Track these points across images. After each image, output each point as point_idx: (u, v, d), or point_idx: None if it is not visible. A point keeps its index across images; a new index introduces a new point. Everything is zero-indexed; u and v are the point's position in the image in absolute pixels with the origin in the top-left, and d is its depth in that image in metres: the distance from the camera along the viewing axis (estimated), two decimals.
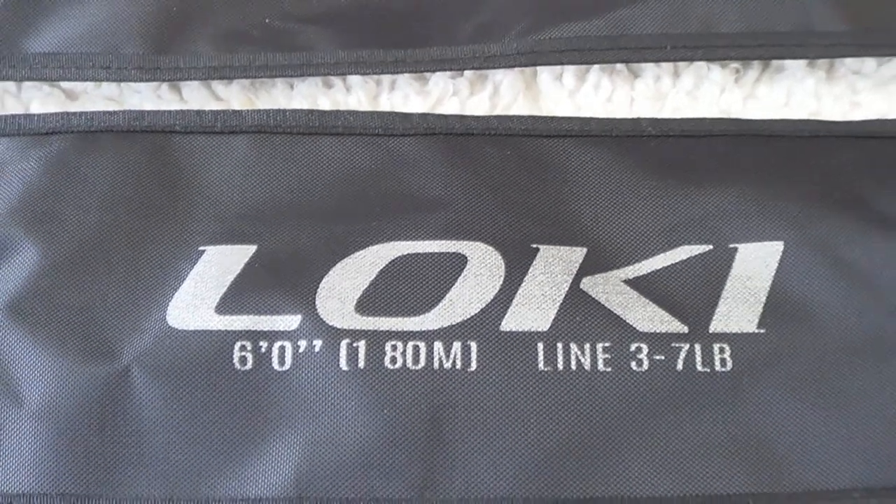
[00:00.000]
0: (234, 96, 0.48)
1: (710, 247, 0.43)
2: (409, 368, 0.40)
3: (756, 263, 0.42)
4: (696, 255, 0.43)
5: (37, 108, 0.47)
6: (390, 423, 0.39)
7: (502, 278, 0.42)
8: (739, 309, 0.41)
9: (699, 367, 0.40)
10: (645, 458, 0.39)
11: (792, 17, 0.47)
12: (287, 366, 0.40)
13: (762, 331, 0.41)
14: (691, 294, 0.42)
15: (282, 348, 0.40)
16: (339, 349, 0.40)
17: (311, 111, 0.46)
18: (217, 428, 0.40)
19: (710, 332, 0.41)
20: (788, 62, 0.49)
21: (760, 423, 0.40)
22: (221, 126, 0.45)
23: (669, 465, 0.39)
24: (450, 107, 0.48)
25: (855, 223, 0.43)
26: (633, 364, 0.40)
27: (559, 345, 0.41)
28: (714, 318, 0.41)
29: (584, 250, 0.42)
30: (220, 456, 0.39)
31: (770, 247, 0.43)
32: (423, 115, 0.46)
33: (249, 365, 0.40)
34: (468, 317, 0.41)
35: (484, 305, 0.41)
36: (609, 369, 0.40)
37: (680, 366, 0.40)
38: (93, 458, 0.39)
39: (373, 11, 0.48)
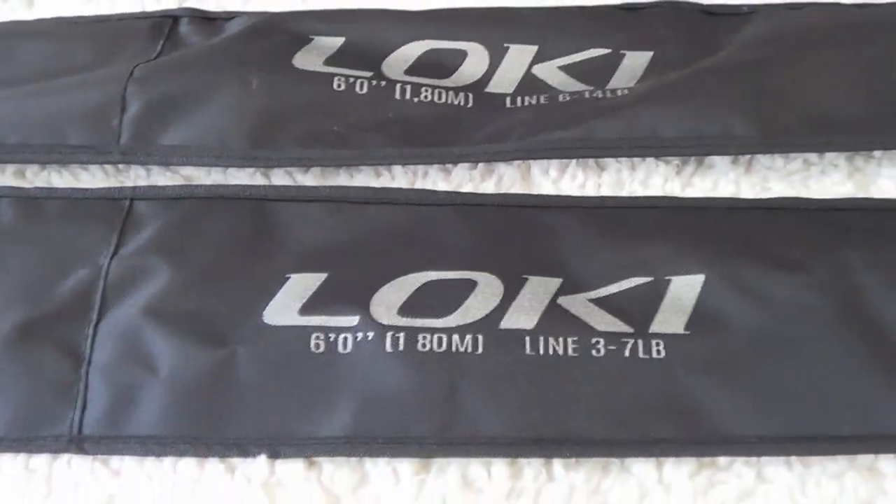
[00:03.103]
0: (308, 181, 0.66)
1: (652, 278, 0.59)
2: (434, 351, 0.56)
3: (685, 289, 0.59)
4: (641, 283, 0.59)
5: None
6: (421, 386, 0.55)
7: (501, 295, 0.58)
8: (671, 318, 0.58)
9: (640, 355, 0.56)
10: (599, 411, 0.54)
11: (717, 125, 0.65)
12: (349, 350, 0.56)
13: (688, 332, 0.57)
14: (637, 308, 0.58)
15: (345, 338, 0.57)
16: (385, 338, 0.56)
17: (366, 187, 0.65)
18: (297, 390, 0.55)
19: (650, 332, 0.57)
20: (716, 159, 0.67)
21: (684, 391, 0.55)
22: (302, 196, 0.64)
23: (617, 416, 0.54)
24: (466, 189, 0.66)
25: (756, 262, 0.60)
26: (593, 351, 0.56)
27: (540, 338, 0.57)
28: (653, 323, 0.57)
29: (560, 280, 0.59)
30: (299, 409, 0.55)
31: (695, 278, 0.59)
32: (447, 192, 0.65)
33: (322, 349, 0.56)
34: (477, 319, 0.57)
35: (488, 312, 0.58)
36: (576, 354, 0.56)
37: (627, 353, 0.56)
38: (205, 411, 0.55)
39: (412, 122, 0.67)
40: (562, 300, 0.58)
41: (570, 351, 0.56)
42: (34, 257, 0.61)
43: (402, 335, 0.56)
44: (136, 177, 0.66)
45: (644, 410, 0.54)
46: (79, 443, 0.54)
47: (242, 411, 0.55)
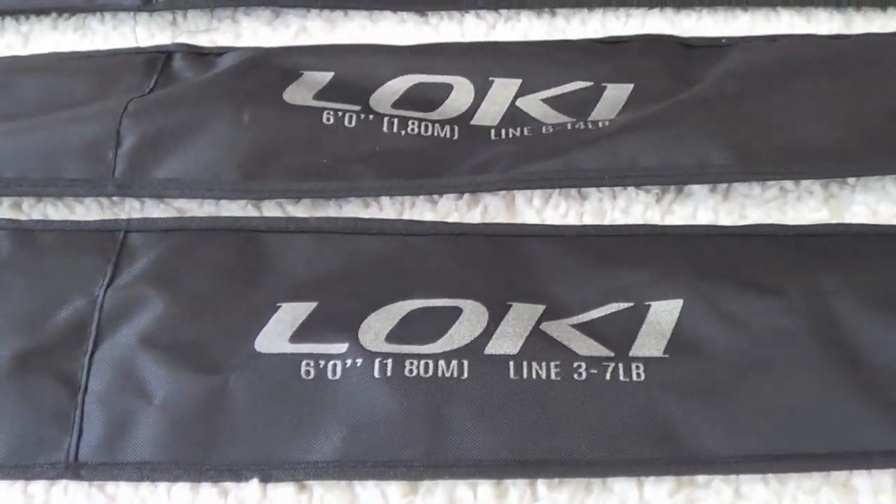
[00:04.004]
0: (298, 212, 0.68)
1: (632, 304, 0.61)
2: (421, 376, 0.58)
3: (664, 313, 0.61)
4: (621, 309, 0.61)
5: None
6: (408, 411, 0.57)
7: (486, 322, 0.60)
8: (651, 342, 0.60)
9: (621, 378, 0.58)
10: (582, 433, 0.56)
11: (695, 155, 0.67)
12: (338, 376, 0.58)
13: (667, 355, 0.59)
14: (617, 333, 0.60)
15: (334, 365, 0.59)
16: (373, 365, 0.58)
17: (355, 218, 0.67)
18: (288, 415, 0.57)
19: (630, 355, 0.59)
20: (695, 187, 0.69)
21: (664, 413, 0.57)
22: (293, 228, 0.66)
23: (599, 438, 0.56)
24: (452, 219, 0.68)
25: (733, 287, 0.62)
26: (575, 375, 0.58)
27: (524, 363, 0.59)
28: (633, 347, 0.59)
29: (543, 306, 0.61)
30: (290, 434, 0.56)
31: (673, 303, 0.61)
32: (434, 222, 0.67)
33: (312, 376, 0.58)
34: (462, 345, 0.59)
35: (473, 338, 0.60)
36: (558, 378, 0.58)
37: (608, 377, 0.58)
38: (198, 436, 0.57)
39: (399, 154, 0.69)
40: (545, 326, 0.60)
41: (552, 375, 0.58)
42: (30, 288, 0.62)
43: (389, 361, 0.58)
44: (131, 209, 0.68)
45: (625, 432, 0.56)
46: (75, 469, 0.56)
47: (235, 437, 0.57)
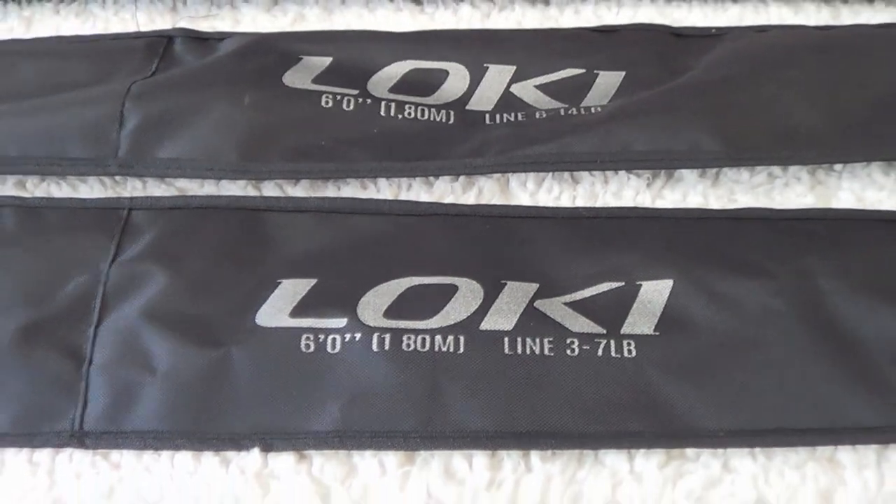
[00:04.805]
0: (298, 193, 0.70)
1: (623, 283, 0.63)
2: (418, 350, 0.59)
3: (654, 293, 0.63)
4: (613, 288, 0.63)
5: None
6: (405, 384, 0.58)
7: (481, 299, 0.62)
8: (641, 320, 0.61)
9: (613, 354, 0.60)
10: (572, 406, 0.58)
11: (686, 141, 0.69)
12: (337, 350, 0.60)
13: (657, 333, 0.61)
14: (609, 311, 0.62)
15: (333, 339, 0.60)
16: (371, 339, 0.60)
17: (353, 198, 0.69)
18: (288, 387, 0.58)
19: (621, 333, 0.61)
20: (685, 172, 0.71)
21: (654, 388, 0.58)
22: (292, 207, 0.67)
23: (591, 412, 0.57)
24: (448, 200, 0.70)
25: (722, 268, 0.63)
26: (568, 351, 0.60)
27: (518, 338, 0.60)
28: (624, 325, 0.61)
29: (537, 285, 0.63)
30: (291, 405, 0.58)
31: (664, 283, 0.63)
32: (430, 203, 0.68)
33: (312, 349, 0.60)
34: (458, 321, 0.61)
35: (469, 314, 0.61)
36: (552, 354, 0.59)
37: (600, 353, 0.60)
38: (201, 406, 0.58)
39: (396, 137, 0.71)
40: (538, 303, 0.62)
41: (546, 350, 0.59)
42: (36, 263, 0.64)
43: (387, 336, 0.60)
44: (133, 188, 0.70)
45: (616, 406, 0.58)
46: (80, 438, 0.57)
47: (237, 407, 0.58)
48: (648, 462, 0.56)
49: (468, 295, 0.62)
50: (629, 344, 0.60)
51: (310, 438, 0.57)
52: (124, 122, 0.69)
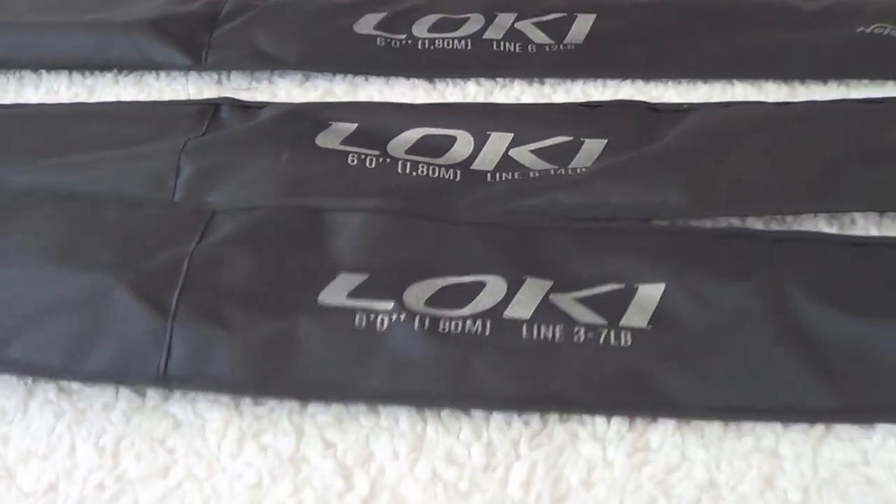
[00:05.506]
0: None
1: (623, 285, 0.72)
2: (452, 332, 0.70)
3: (649, 294, 0.72)
4: (615, 289, 0.73)
5: None
6: (440, 358, 0.69)
7: (505, 292, 0.72)
8: (637, 315, 0.70)
9: (612, 342, 0.70)
10: (578, 382, 0.68)
11: (658, 195, 0.81)
12: (384, 328, 0.70)
13: (649, 327, 0.70)
14: (611, 306, 0.71)
15: (382, 318, 0.70)
16: (414, 321, 0.69)
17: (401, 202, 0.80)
18: (343, 354, 0.69)
19: (620, 325, 0.70)
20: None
21: (645, 370, 0.68)
22: (347, 208, 0.78)
23: (591, 385, 0.68)
24: None
25: (707, 275, 0.73)
26: (575, 338, 0.70)
27: (534, 325, 0.69)
28: (622, 318, 0.70)
29: (552, 281, 0.73)
30: (344, 367, 0.68)
31: (657, 286, 0.73)
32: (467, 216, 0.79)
33: (364, 326, 0.69)
34: (485, 310, 0.70)
35: (494, 304, 0.71)
36: (562, 339, 0.70)
37: (601, 341, 0.70)
38: (268, 365, 0.68)
39: (411, 191, 0.82)
40: (552, 297, 0.72)
41: (557, 337, 0.70)
42: (143, 235, 0.76)
43: (427, 319, 0.70)
44: None
45: (613, 382, 0.69)
46: (164, 380, 0.68)
47: (299, 367, 0.69)
48: (618, 452, 0.67)
49: (494, 289, 0.72)
50: (626, 335, 0.70)
51: (360, 396, 0.68)
52: (180, 173, 0.82)
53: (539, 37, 0.91)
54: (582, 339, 0.70)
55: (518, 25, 0.92)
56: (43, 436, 0.67)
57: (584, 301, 0.73)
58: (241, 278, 0.74)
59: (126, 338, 0.69)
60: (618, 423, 0.68)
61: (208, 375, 0.68)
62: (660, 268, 0.75)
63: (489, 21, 0.92)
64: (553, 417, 0.68)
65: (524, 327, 0.71)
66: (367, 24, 0.94)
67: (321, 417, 0.69)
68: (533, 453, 0.67)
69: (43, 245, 0.76)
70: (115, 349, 0.69)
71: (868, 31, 0.99)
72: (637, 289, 0.73)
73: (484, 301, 0.72)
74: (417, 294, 0.73)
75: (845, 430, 0.67)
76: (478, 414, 0.69)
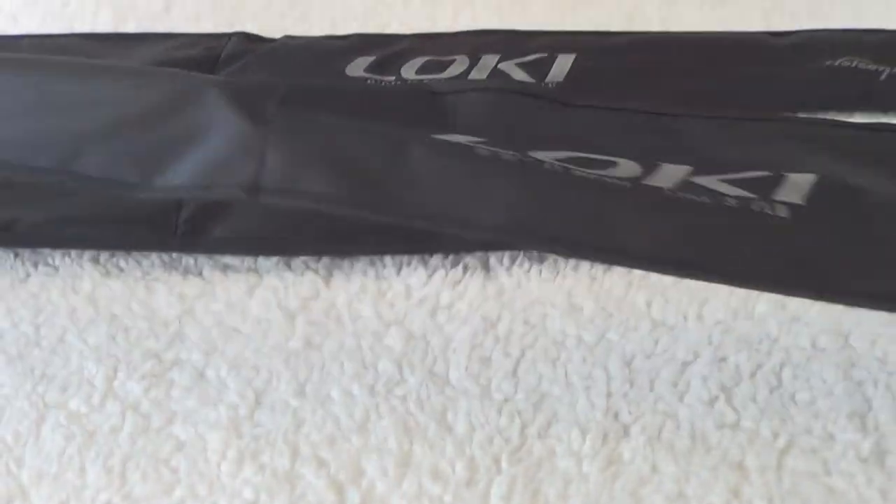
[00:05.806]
0: (322, 270, 0.86)
1: (770, 172, 0.69)
2: (586, 178, 0.65)
3: (797, 180, 0.68)
4: (762, 175, 0.68)
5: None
6: (572, 201, 0.64)
7: (639, 174, 0.67)
8: (792, 193, 0.66)
9: (766, 212, 0.64)
10: (725, 249, 0.62)
11: None
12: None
13: (804, 203, 0.65)
14: (759, 186, 0.66)
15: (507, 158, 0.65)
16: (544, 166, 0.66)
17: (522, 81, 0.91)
18: (461, 186, 0.64)
19: (772, 199, 0.65)
20: None
21: (802, 246, 0.62)
22: (459, 89, 0.81)
23: (744, 259, 0.62)
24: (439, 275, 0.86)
25: (860, 165, 0.72)
26: (724, 202, 0.64)
27: (679, 192, 0.64)
28: (774, 194, 0.66)
29: (691, 167, 0.68)
30: (467, 199, 0.63)
31: (808, 176, 0.69)
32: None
33: (487, 154, 0.66)
34: (622, 177, 0.66)
35: (630, 177, 0.66)
36: (710, 202, 0.64)
37: (754, 207, 0.64)
38: (374, 185, 0.64)
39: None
40: (693, 178, 0.67)
41: (704, 199, 0.64)
42: None
43: (558, 167, 0.65)
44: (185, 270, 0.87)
45: (765, 255, 0.62)
46: (255, 191, 0.63)
47: (417, 189, 0.64)
48: (593, 466, 0.71)
49: (626, 168, 0.67)
50: (781, 207, 0.64)
51: (480, 228, 0.64)
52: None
53: (521, 76, 0.96)
54: (734, 205, 0.63)
55: (501, 66, 0.96)
56: (54, 457, 0.69)
57: (731, 181, 0.66)
58: (346, 110, 0.68)
59: (214, 147, 0.64)
60: (592, 440, 0.73)
61: (304, 191, 0.62)
62: (809, 158, 0.71)
63: (473, 63, 0.96)
64: (532, 433, 0.73)
65: (666, 191, 0.64)
66: (357, 67, 0.98)
67: (315, 437, 0.73)
68: (513, 468, 0.71)
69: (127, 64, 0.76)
70: (200, 160, 0.63)
71: (836, 64, 1.03)
72: (786, 178, 0.67)
73: (617, 174, 0.65)
74: (542, 155, 0.66)
75: (808, 442, 0.72)
76: (461, 431, 0.73)
